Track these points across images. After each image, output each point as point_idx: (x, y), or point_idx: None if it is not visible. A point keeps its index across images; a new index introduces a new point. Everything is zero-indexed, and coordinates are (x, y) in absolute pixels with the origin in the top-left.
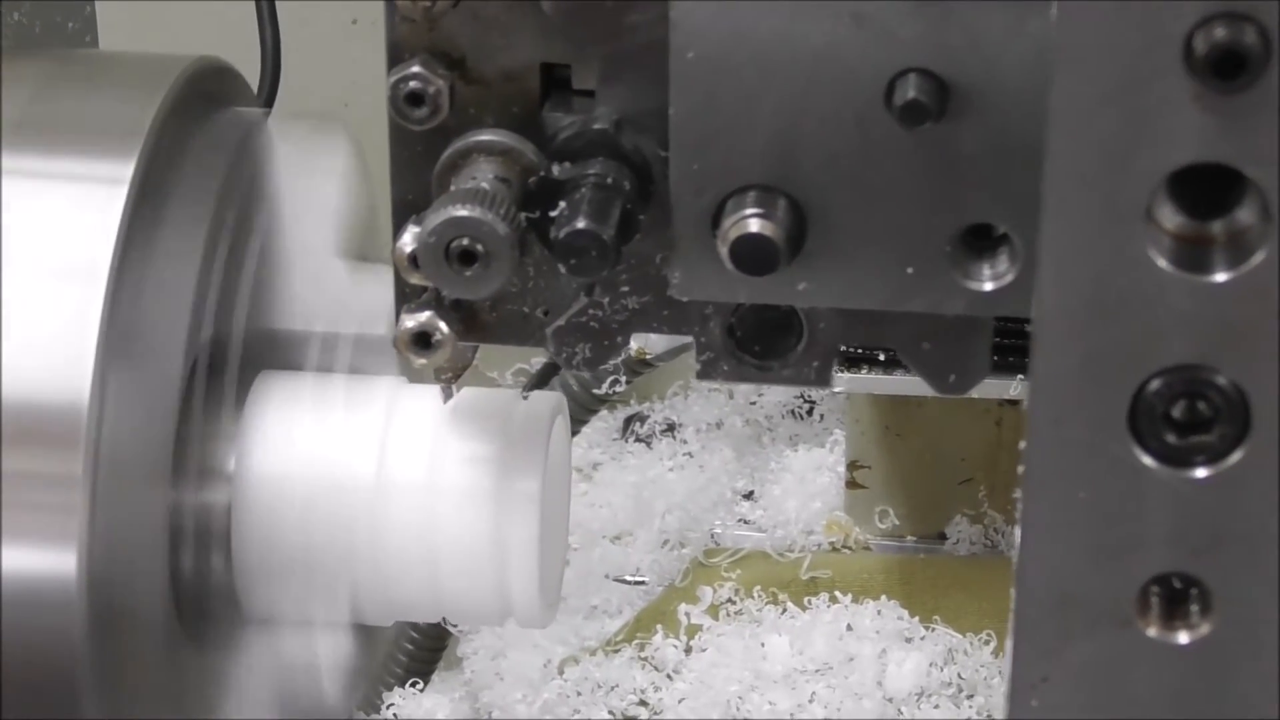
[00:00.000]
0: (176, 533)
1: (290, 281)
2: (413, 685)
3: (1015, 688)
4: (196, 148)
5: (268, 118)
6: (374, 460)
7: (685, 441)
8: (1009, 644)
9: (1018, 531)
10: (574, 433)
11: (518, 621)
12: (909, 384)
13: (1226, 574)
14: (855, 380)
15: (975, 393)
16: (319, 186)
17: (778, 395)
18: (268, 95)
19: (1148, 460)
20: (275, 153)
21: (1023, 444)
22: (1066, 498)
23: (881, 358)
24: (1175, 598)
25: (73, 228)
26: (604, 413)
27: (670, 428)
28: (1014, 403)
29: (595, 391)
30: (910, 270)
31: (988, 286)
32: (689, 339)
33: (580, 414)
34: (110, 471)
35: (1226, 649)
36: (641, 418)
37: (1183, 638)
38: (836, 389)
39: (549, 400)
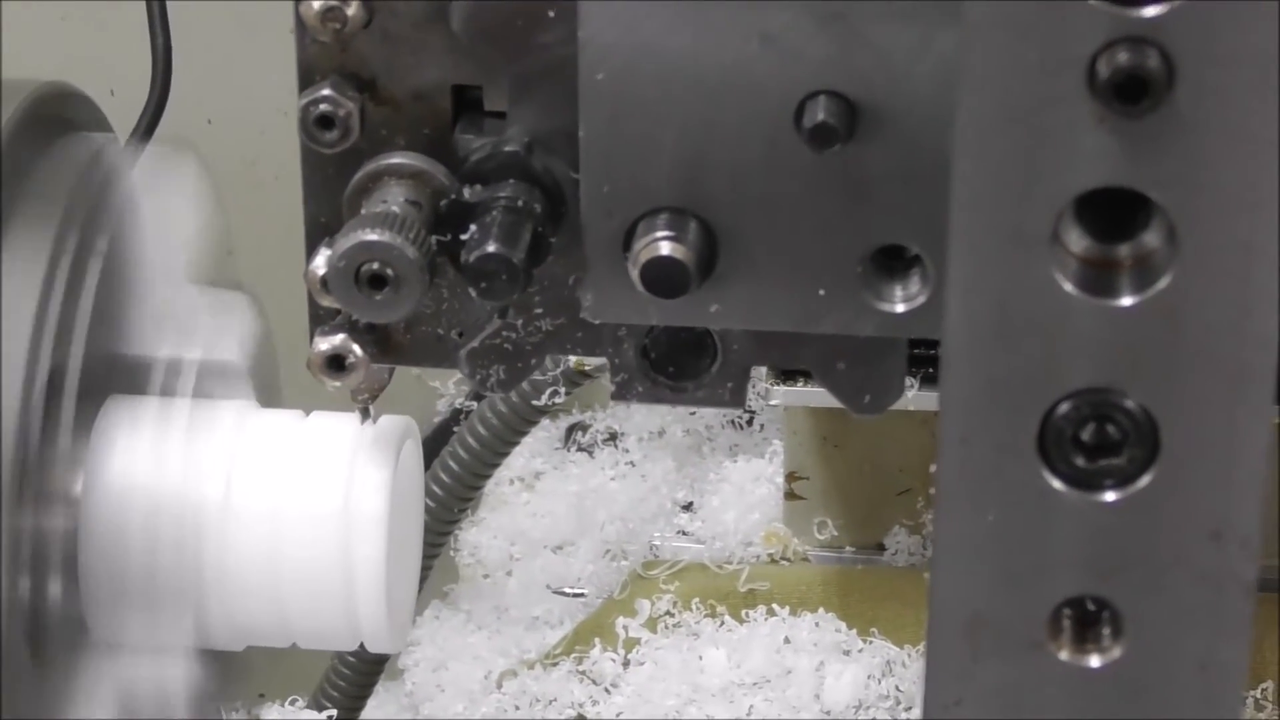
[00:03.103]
0: (18, 558)
1: (137, 305)
2: (292, 702)
3: (928, 710)
4: (39, 172)
5: (120, 142)
6: (220, 484)
7: (627, 450)
8: (922, 667)
9: (932, 554)
10: (513, 445)
11: (367, 645)
12: None
13: (1137, 597)
14: (792, 393)
15: (912, 405)
16: (168, 210)
17: None
18: (158, 100)
19: (1057, 483)
20: (124, 176)
21: (933, 467)
22: (976, 520)
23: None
24: (1087, 620)
25: None
26: (545, 421)
27: (612, 436)
28: None
29: (534, 403)
30: (822, 291)
31: (900, 308)
32: None
33: (519, 425)
34: None
35: (1137, 671)
36: (583, 427)
37: (1094, 660)
38: (773, 401)
39: (398, 423)
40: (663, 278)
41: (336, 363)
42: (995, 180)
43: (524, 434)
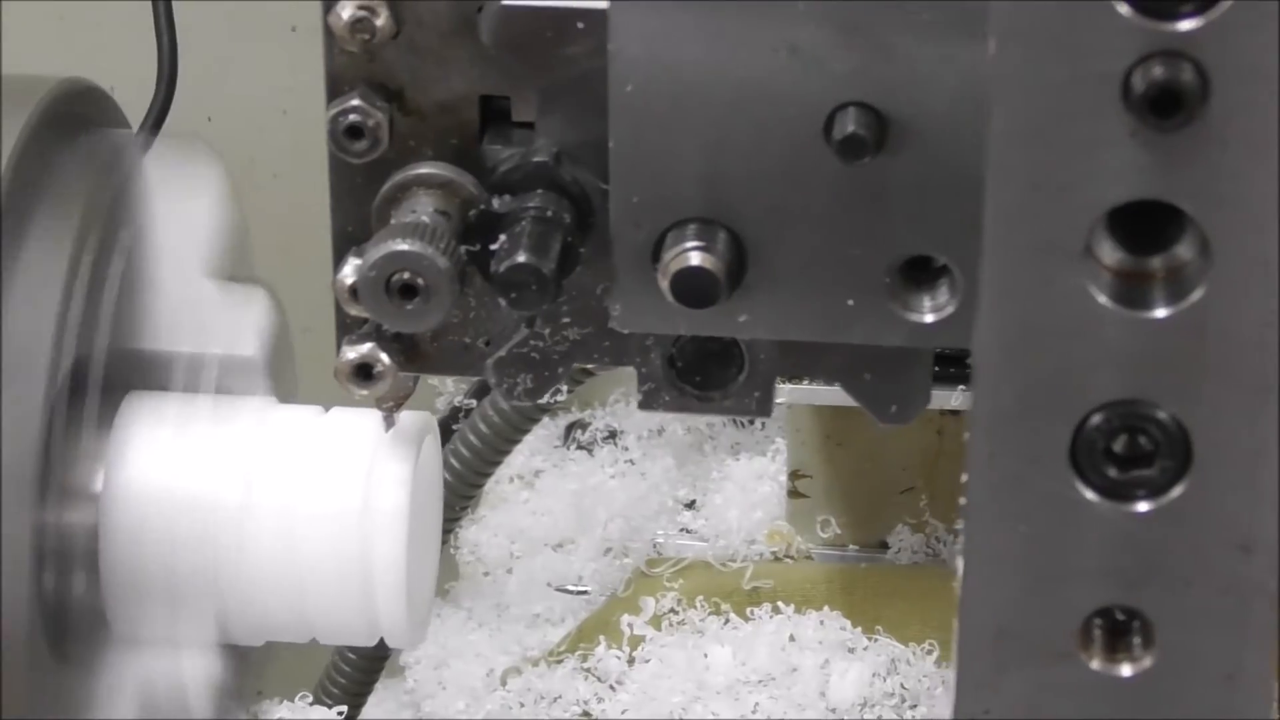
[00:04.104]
0: (41, 553)
1: (157, 302)
2: (302, 698)
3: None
4: (60, 169)
5: (139, 137)
6: (240, 481)
7: (627, 449)
8: (951, 676)
9: (959, 563)
10: (515, 443)
11: (386, 640)
12: None
13: (1168, 607)
14: (796, 391)
15: None
16: (187, 206)
17: None
18: (163, 100)
19: (1089, 494)
20: (143, 173)
21: (964, 476)
22: (1007, 531)
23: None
24: (1117, 630)
25: None
26: (545, 419)
27: (612, 435)
28: (955, 413)
29: (537, 401)
30: (850, 302)
31: (928, 318)
32: None
33: (521, 423)
34: None
35: (1168, 681)
36: (583, 425)
37: (1125, 670)
38: (778, 400)
39: (418, 420)
40: (692, 288)
41: (364, 371)
42: (1028, 193)
43: (526, 432)
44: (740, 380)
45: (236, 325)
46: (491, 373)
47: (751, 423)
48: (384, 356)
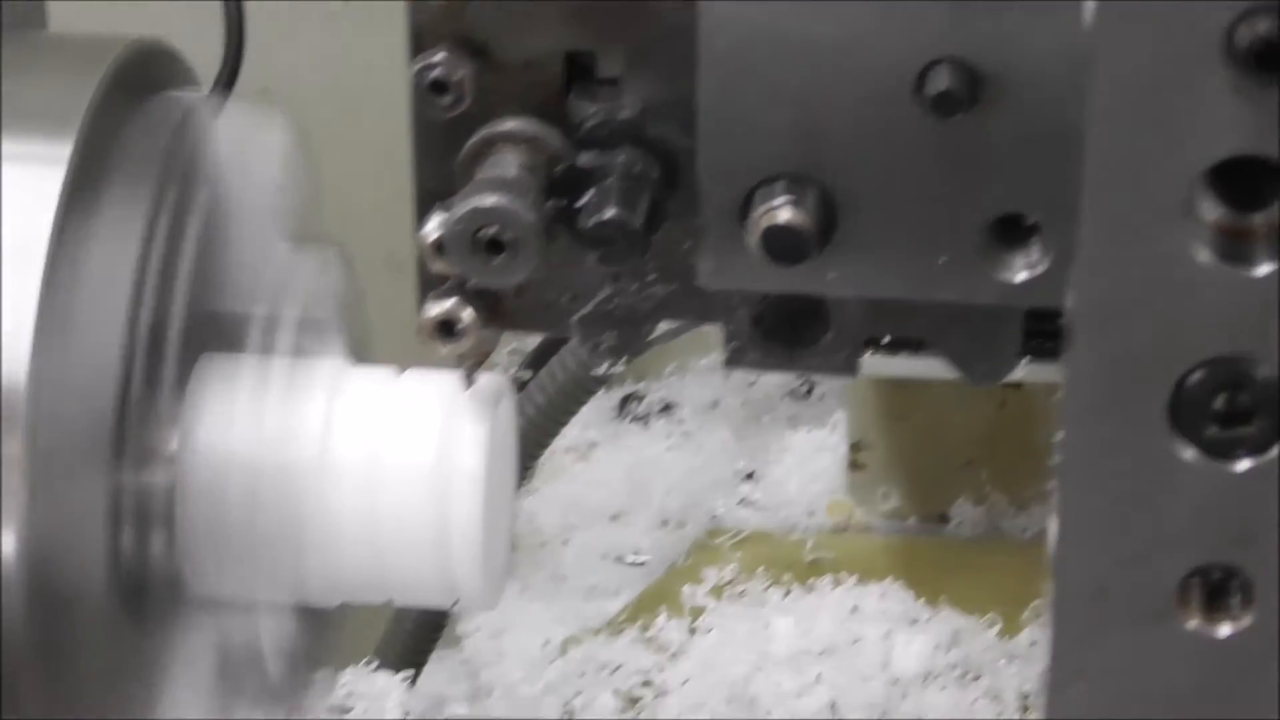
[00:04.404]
0: (117, 514)
1: (232, 263)
2: (367, 664)
3: (1053, 683)
4: (135, 129)
5: (211, 98)
6: (317, 441)
7: (682, 421)
8: (1045, 636)
9: (1051, 524)
10: (572, 414)
11: (463, 602)
12: (912, 366)
13: (1267, 565)
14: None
15: None
16: (261, 167)
17: (776, 376)
18: (231, 68)
19: (1188, 453)
20: (216, 134)
21: (1058, 435)
22: (1105, 490)
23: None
24: (1216, 590)
25: (8, 208)
26: (600, 392)
27: (667, 407)
28: (1017, 386)
29: (593, 373)
30: (941, 260)
31: (1020, 277)
32: None
33: (578, 394)
34: (49, 454)
35: (1267, 640)
36: (638, 397)
37: (1224, 630)
38: None
39: (494, 382)
40: (782, 244)
41: (447, 328)
42: (1129, 149)
43: (583, 403)
44: (827, 339)
45: (311, 286)
46: (576, 330)
47: (809, 395)
48: (467, 313)
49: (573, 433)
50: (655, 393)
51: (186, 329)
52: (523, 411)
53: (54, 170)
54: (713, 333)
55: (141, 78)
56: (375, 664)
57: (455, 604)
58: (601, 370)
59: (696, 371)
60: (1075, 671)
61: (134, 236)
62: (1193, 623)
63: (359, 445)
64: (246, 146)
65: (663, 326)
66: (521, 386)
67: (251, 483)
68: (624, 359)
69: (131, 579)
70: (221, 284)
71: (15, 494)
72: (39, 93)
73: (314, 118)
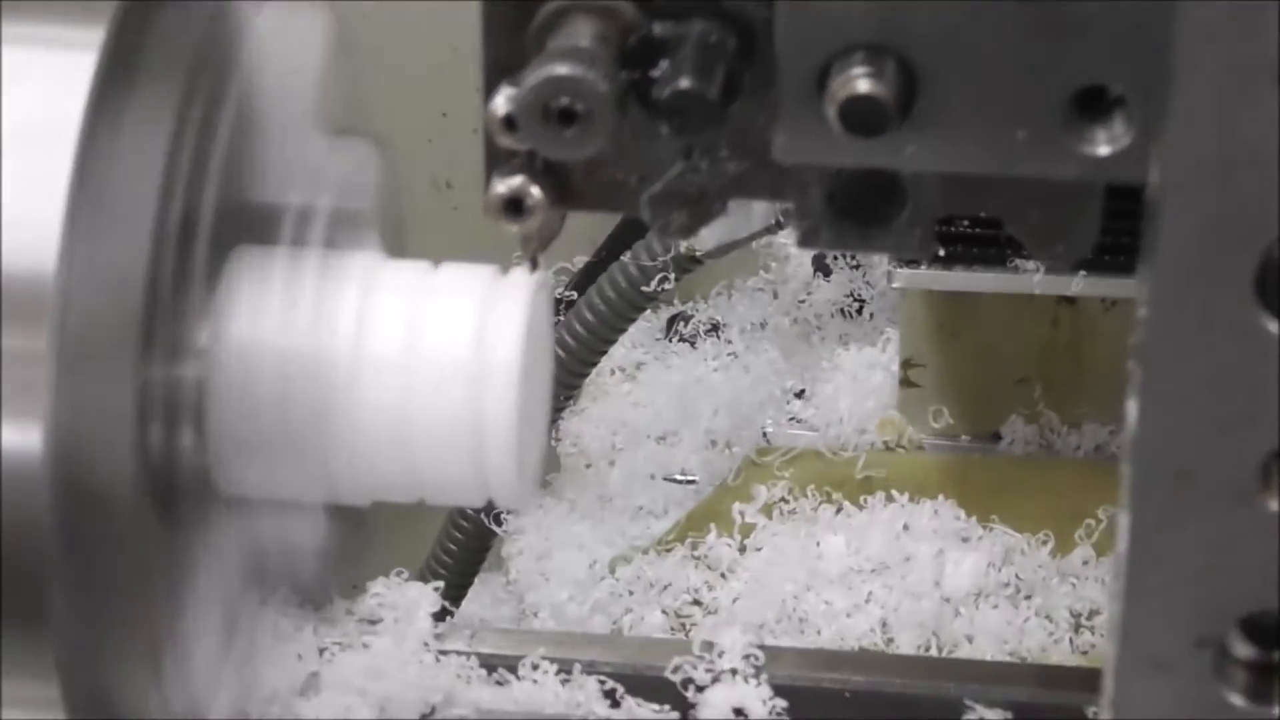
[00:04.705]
0: (146, 409)
1: (266, 153)
2: (398, 574)
3: (1131, 565)
4: (169, 13)
5: None
6: (350, 336)
7: (730, 342)
8: (1122, 520)
9: (1130, 405)
10: (621, 331)
11: (495, 500)
12: (965, 280)
13: None
14: (912, 276)
15: (1037, 289)
16: (298, 56)
17: (827, 294)
18: None
19: (1274, 326)
20: (253, 21)
21: (1140, 312)
22: (1188, 366)
23: (941, 253)
24: None
25: (39, 93)
26: (647, 312)
27: (714, 328)
28: (1070, 300)
29: (643, 289)
30: (1022, 134)
31: (1103, 151)
32: (740, 236)
33: (628, 312)
34: (77, 346)
35: None
36: (685, 317)
37: None
38: (895, 284)
39: (530, 276)
40: (861, 116)
41: (515, 205)
42: (1221, 15)
43: (631, 321)
44: (903, 217)
45: (346, 178)
46: (646, 209)
47: (859, 313)
48: (535, 190)
49: (619, 353)
50: (703, 313)
51: (218, 221)
52: (569, 331)
53: (85, 56)
54: (760, 253)
55: None
56: (406, 575)
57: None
58: (651, 288)
59: (744, 292)
60: (1156, 553)
61: (166, 124)
62: (1274, 505)
63: (392, 340)
64: (284, 35)
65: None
66: (569, 306)
67: (283, 377)
68: (674, 279)
69: (160, 476)
70: (255, 175)
71: (42, 389)
72: None
73: (358, 35)
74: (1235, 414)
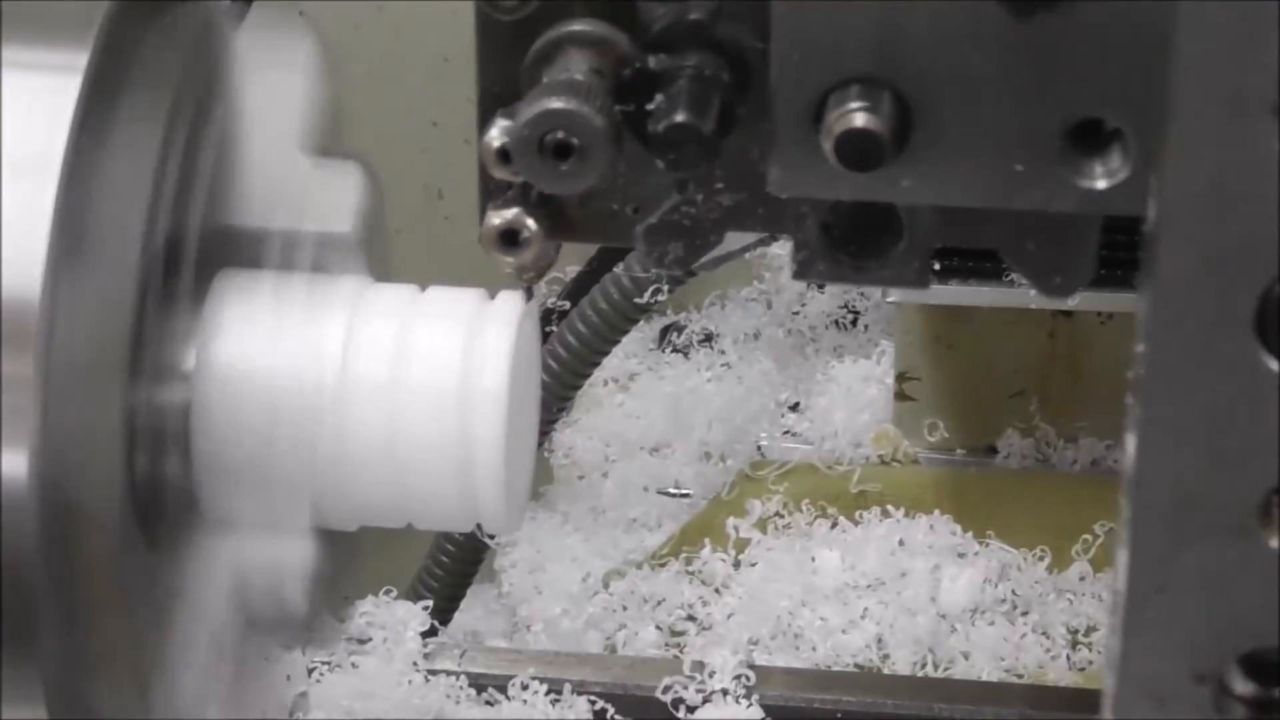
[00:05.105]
0: (132, 433)
1: (251, 177)
2: (386, 593)
3: (1130, 599)
4: (154, 37)
5: (233, 8)
6: (336, 359)
7: (723, 352)
8: (1120, 553)
9: (1128, 439)
10: (614, 343)
11: (484, 526)
12: (960, 294)
13: None
14: (909, 290)
15: (1033, 303)
16: (281, 79)
17: (821, 305)
18: None
19: (1273, 363)
20: (236, 44)
21: (1138, 347)
22: (1186, 400)
23: (936, 266)
24: None
25: (22, 117)
26: (640, 322)
27: (708, 338)
28: (1067, 314)
29: (636, 300)
30: (1019, 167)
31: (1100, 184)
32: (734, 247)
33: (621, 323)
34: (62, 371)
35: None
36: (678, 328)
37: None
38: (889, 298)
39: (516, 300)
40: (857, 150)
41: (510, 237)
42: (1218, 49)
43: (625, 332)
44: (899, 249)
45: (331, 202)
46: (641, 240)
47: (854, 324)
48: (530, 222)
49: (612, 363)
50: (696, 323)
51: (204, 244)
52: (561, 342)
53: (70, 79)
54: (754, 263)
55: None
56: (394, 593)
57: (475, 527)
58: (644, 299)
59: (737, 302)
60: (1154, 587)
61: (151, 148)
62: (1275, 540)
63: (379, 364)
64: (268, 58)
65: (728, 240)
66: (561, 316)
67: (269, 402)
68: (667, 290)
69: (146, 501)
70: (240, 198)
71: (27, 413)
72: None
73: (348, 47)
74: (1235, 450)
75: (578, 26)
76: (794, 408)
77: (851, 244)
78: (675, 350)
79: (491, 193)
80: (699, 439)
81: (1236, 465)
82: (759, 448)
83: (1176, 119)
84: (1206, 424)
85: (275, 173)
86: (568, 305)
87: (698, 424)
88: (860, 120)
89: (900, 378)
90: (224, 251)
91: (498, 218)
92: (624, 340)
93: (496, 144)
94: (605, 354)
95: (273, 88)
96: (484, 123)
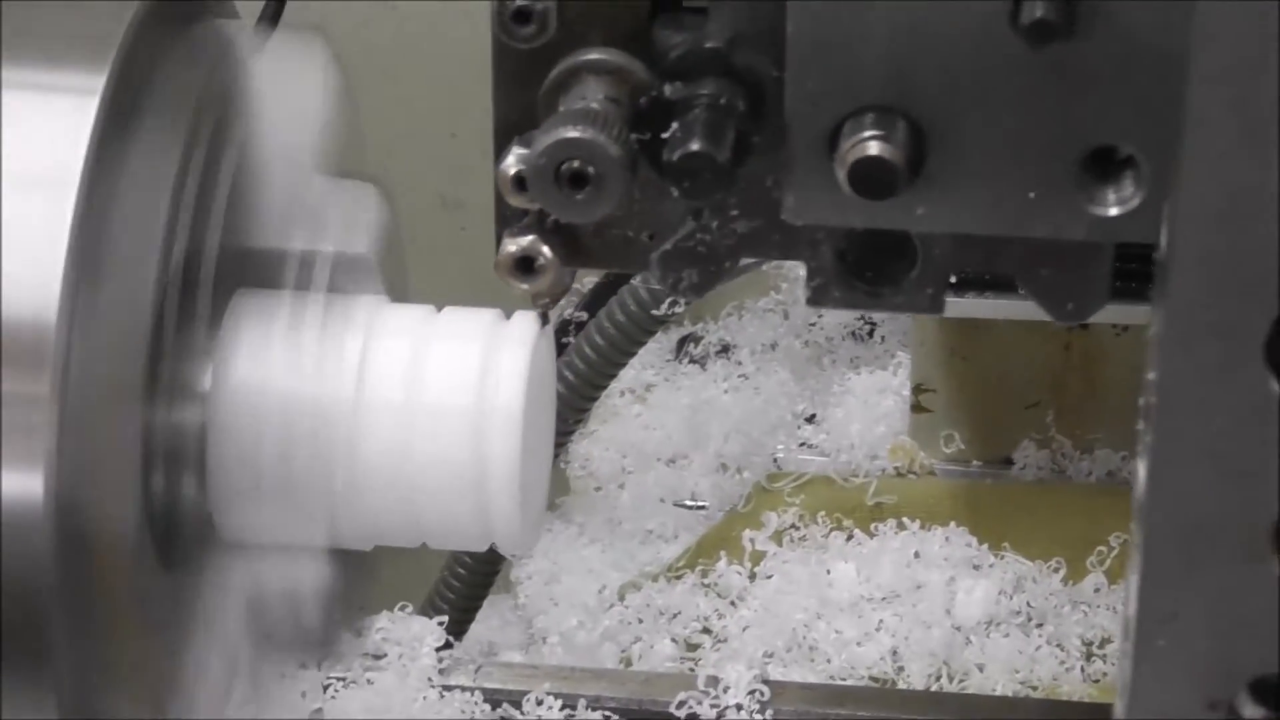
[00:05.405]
0: (149, 453)
1: (268, 197)
2: (401, 608)
3: (1141, 625)
4: (172, 58)
5: (251, 31)
6: (352, 380)
7: (740, 363)
8: (1131, 581)
9: (1140, 465)
10: (631, 354)
11: (499, 545)
12: (977, 306)
13: None
14: None
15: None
16: (299, 100)
17: (838, 317)
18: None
19: None
20: (254, 65)
21: (1150, 374)
22: (1200, 427)
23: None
24: None
25: (42, 138)
26: (657, 333)
27: (725, 349)
28: (1083, 326)
29: (653, 313)
30: (1033, 194)
31: (1113, 211)
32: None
33: (638, 335)
34: (79, 391)
35: None
36: (695, 338)
37: None
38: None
39: (531, 320)
40: (871, 178)
41: (526, 264)
42: (1233, 75)
43: (642, 344)
44: (913, 276)
45: (348, 222)
46: (656, 267)
47: (871, 335)
48: (546, 249)
49: (629, 374)
50: (713, 334)
51: (221, 264)
52: (579, 354)
53: (88, 101)
54: (771, 273)
55: (180, 8)
56: (410, 608)
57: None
58: (660, 311)
59: (755, 312)
60: (1166, 613)
61: (168, 170)
62: None
63: (395, 384)
64: (286, 80)
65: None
66: (579, 328)
67: (285, 422)
68: (684, 302)
69: (162, 521)
70: (257, 219)
71: (45, 434)
72: (76, 21)
73: (368, 58)
74: (1245, 477)
75: (594, 55)
76: (810, 419)
77: (866, 270)
78: (692, 361)
79: (507, 219)
80: (715, 451)
81: (1247, 491)
82: (775, 460)
83: (1190, 146)
84: (1217, 450)
85: (292, 193)
86: (585, 316)
87: (714, 435)
88: (874, 149)
89: (916, 389)
90: (241, 272)
91: (513, 245)
92: (641, 351)
93: (512, 172)
94: (622, 365)
95: (290, 109)
96: (500, 150)
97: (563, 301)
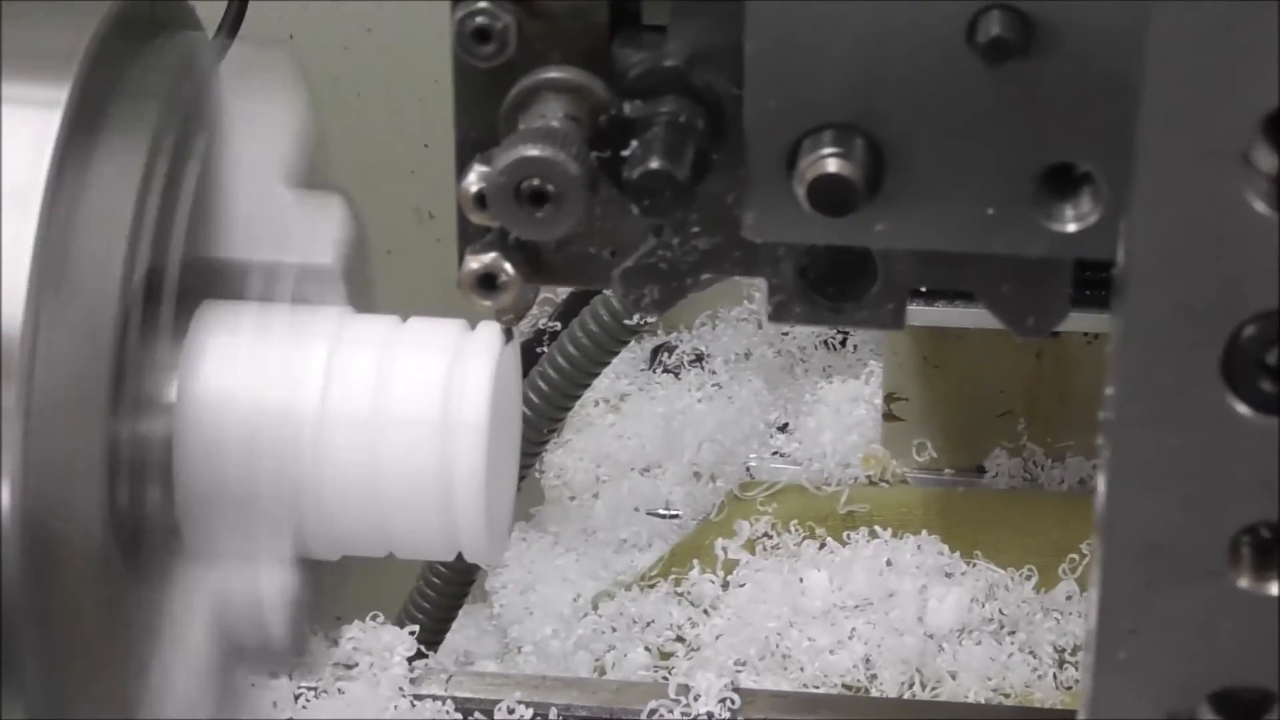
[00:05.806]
0: (114, 464)
1: (233, 209)
2: (373, 618)
3: (1101, 640)
4: (135, 71)
5: (214, 42)
6: (318, 391)
7: (714, 372)
8: (1092, 595)
9: (1100, 480)
10: (604, 364)
11: (465, 554)
12: (948, 315)
13: None
14: None
15: None
16: (263, 112)
17: (811, 327)
18: (236, 11)
19: (1241, 408)
20: (218, 77)
21: (1108, 389)
22: (1157, 444)
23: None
24: (1266, 548)
25: (5, 151)
26: (630, 343)
27: (699, 358)
28: (1054, 335)
29: (626, 322)
30: (991, 211)
31: (1071, 228)
32: None
33: (611, 345)
34: (44, 403)
35: None
36: (669, 348)
37: (1274, 589)
38: None
39: (496, 331)
40: (830, 196)
41: (488, 281)
42: (1186, 97)
43: (615, 353)
44: (874, 291)
45: (313, 234)
46: (618, 284)
47: (843, 345)
48: (508, 266)
49: (603, 384)
50: (687, 343)
51: (185, 275)
52: (552, 364)
53: (51, 113)
54: (745, 283)
55: (143, 19)
56: (381, 618)
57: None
58: (634, 321)
59: (728, 321)
60: (1126, 630)
61: (132, 181)
62: (1243, 581)
63: (360, 395)
64: (251, 90)
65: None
66: (552, 337)
67: (250, 433)
68: (655, 315)
69: (128, 531)
70: (222, 230)
71: (9, 444)
72: (38, 33)
73: (339, 69)
74: (1205, 491)
75: (554, 73)
76: (783, 428)
77: (827, 287)
78: (666, 370)
79: (470, 236)
80: (689, 460)
81: (1206, 508)
82: (748, 468)
83: (1145, 165)
84: (1176, 468)
85: (257, 205)
86: (559, 326)
87: (688, 444)
88: (833, 166)
89: (888, 398)
90: (206, 283)
91: (475, 262)
92: (615, 361)
93: (474, 189)
94: (596, 374)
95: (255, 120)
96: (462, 168)
97: (535, 310)
